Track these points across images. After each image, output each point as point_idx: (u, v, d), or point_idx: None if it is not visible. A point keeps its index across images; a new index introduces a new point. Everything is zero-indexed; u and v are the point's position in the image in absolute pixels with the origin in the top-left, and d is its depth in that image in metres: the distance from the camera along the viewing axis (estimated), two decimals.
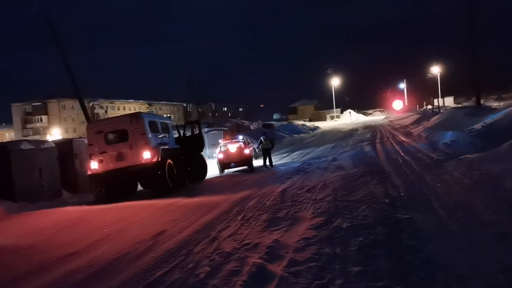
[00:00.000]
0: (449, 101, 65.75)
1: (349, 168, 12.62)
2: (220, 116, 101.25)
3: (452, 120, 21.50)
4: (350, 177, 10.65)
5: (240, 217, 7.54)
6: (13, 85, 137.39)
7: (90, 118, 25.54)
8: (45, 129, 72.06)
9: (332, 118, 73.05)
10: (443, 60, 64.14)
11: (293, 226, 6.46)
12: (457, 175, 8.84)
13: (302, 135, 40.94)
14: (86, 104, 25.48)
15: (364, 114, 77.13)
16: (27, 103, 74.39)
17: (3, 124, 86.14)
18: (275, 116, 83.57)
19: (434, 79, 63.56)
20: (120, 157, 12.44)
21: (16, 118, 75.72)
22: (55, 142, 15.35)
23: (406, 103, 61.72)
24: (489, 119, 15.90)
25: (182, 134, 16.15)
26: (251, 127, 47.00)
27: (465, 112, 22.96)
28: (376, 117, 68.29)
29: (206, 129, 26.32)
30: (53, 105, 74.32)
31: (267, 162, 17.76)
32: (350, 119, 64.88)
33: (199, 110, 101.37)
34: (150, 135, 12.63)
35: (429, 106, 55.40)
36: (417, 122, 30.85)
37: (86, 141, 13.87)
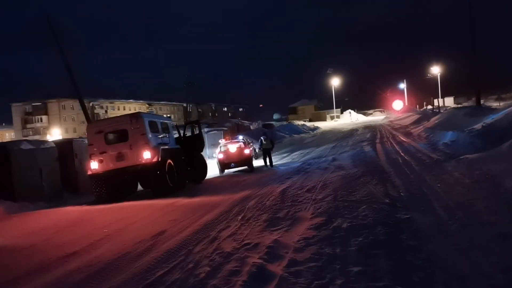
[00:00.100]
0: (449, 101, 65.76)
1: (349, 168, 12.63)
2: (220, 116, 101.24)
3: (452, 120, 21.49)
4: (350, 177, 10.66)
5: (240, 217, 7.54)
6: (13, 85, 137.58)
7: (90, 118, 25.53)
8: (45, 129, 72.05)
9: (332, 118, 73.04)
10: (443, 60, 64.26)
11: (293, 226, 6.46)
12: (457, 175, 8.84)
13: (302, 135, 40.96)
14: (86, 104, 25.48)
15: (364, 114, 77.13)
16: (27, 103, 74.38)
17: (3, 124, 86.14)
18: (275, 116, 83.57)
19: (434, 79, 63.62)
20: (120, 157, 12.43)
21: (16, 118, 75.72)
22: (55, 142, 15.37)
23: (406, 103, 61.68)
24: (489, 119, 15.88)
25: (182, 134, 16.14)
26: (251, 127, 47.03)
27: (465, 112, 22.94)
28: (376, 117, 68.29)
29: (206, 129, 26.31)
30: (53, 105, 74.32)
31: (267, 162, 17.77)
32: (350, 119, 64.89)
33: (199, 110, 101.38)
34: (150, 135, 12.63)
35: (429, 106, 55.43)
36: (417, 122, 30.86)
37: (86, 141, 13.88)
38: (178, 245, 6.22)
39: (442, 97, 61.48)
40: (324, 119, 73.09)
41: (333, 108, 73.44)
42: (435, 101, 56.44)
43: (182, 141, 15.57)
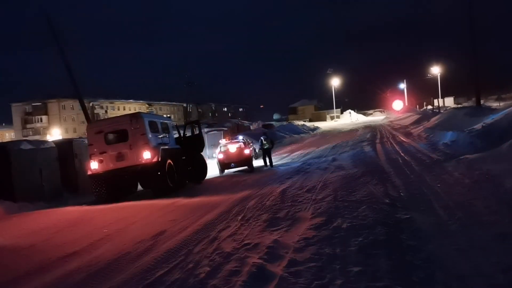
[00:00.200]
0: (449, 101, 65.77)
1: (349, 168, 12.62)
2: (220, 116, 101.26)
3: (452, 120, 21.48)
4: (350, 177, 10.65)
5: (240, 217, 7.54)
6: (13, 85, 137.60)
7: (90, 118, 25.53)
8: (45, 129, 72.03)
9: (332, 118, 73.02)
10: (443, 60, 64.23)
11: (293, 226, 6.46)
12: (457, 175, 8.84)
13: (302, 135, 40.96)
14: (86, 104, 25.48)
15: (364, 114, 77.11)
16: (27, 103, 74.38)
17: (3, 124, 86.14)
18: (275, 116, 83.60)
19: (434, 79, 63.59)
20: (120, 157, 12.44)
21: (16, 118, 75.72)
22: (55, 142, 15.38)
23: (406, 103, 61.69)
24: (489, 119, 15.88)
25: (182, 134, 16.15)
26: (251, 127, 47.01)
27: (465, 112, 22.92)
28: (376, 117, 68.29)
29: (206, 129, 26.32)
30: (53, 105, 74.32)
31: (267, 162, 17.77)
32: (350, 119, 64.87)
33: (199, 110, 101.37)
34: (150, 135, 12.64)
35: (429, 106, 55.46)
36: (417, 122, 30.85)
37: (86, 141, 13.88)
38: (178, 245, 6.22)
39: (442, 97, 61.48)
40: (324, 119, 73.09)
41: (333, 108, 73.44)
42: (435, 101, 56.46)
43: (182, 141, 15.58)
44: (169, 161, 12.93)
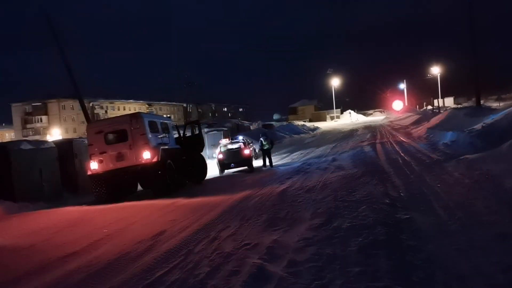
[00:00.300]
0: (449, 102, 65.80)
1: (349, 168, 12.62)
2: (220, 116, 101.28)
3: (452, 121, 21.47)
4: (350, 177, 10.65)
5: (240, 217, 7.54)
6: (13, 85, 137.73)
7: (90, 118, 25.53)
8: (45, 129, 72.02)
9: (332, 118, 73.07)
10: (443, 60, 64.33)
11: (293, 227, 6.46)
12: (457, 175, 8.84)
13: (302, 135, 40.99)
14: (86, 104, 25.47)
15: (364, 114, 77.19)
16: (27, 103, 74.39)
17: (3, 124, 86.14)
18: (275, 116, 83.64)
19: (434, 79, 63.64)
20: (120, 157, 12.44)
21: (16, 118, 75.72)
22: (55, 142, 15.38)
23: (406, 104, 61.74)
24: (489, 120, 15.87)
25: (182, 134, 16.15)
26: (251, 127, 47.05)
27: (465, 113, 22.91)
28: (376, 117, 68.35)
29: (206, 129, 26.31)
30: (53, 105, 74.33)
31: (267, 162, 17.77)
32: (350, 119, 64.92)
33: (199, 110, 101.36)
34: (150, 135, 12.64)
35: (429, 107, 55.46)
36: (417, 122, 30.87)
37: (86, 141, 13.88)
38: (178, 245, 6.22)
39: (442, 97, 61.50)
40: (324, 119, 73.12)
41: (333, 108, 73.48)
42: (435, 101, 56.44)
43: (182, 141, 15.58)
44: (169, 161, 12.93)
